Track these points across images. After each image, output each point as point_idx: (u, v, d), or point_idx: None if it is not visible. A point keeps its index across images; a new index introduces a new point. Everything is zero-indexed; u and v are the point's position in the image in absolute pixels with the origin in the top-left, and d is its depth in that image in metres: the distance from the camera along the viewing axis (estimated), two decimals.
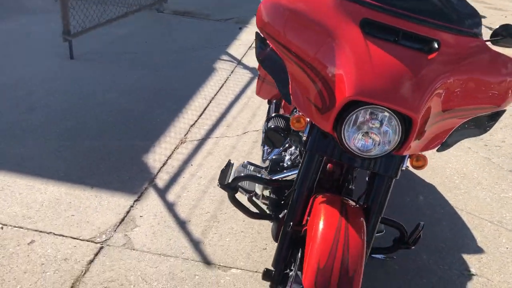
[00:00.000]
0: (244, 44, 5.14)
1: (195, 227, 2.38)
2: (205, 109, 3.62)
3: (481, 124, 1.67)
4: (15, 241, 2.17)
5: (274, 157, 2.12)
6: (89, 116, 3.32)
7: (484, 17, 7.05)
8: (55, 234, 2.24)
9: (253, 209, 1.99)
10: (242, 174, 1.97)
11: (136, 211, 2.45)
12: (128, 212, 2.44)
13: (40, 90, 3.63)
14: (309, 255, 1.38)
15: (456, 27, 1.53)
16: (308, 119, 1.61)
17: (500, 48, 1.70)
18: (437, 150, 1.63)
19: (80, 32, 4.32)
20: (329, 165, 1.84)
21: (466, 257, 2.39)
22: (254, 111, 3.65)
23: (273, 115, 1.98)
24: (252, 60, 4.65)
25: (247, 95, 3.93)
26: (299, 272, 1.52)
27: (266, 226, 2.42)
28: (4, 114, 3.23)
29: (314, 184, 1.64)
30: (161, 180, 2.72)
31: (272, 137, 1.87)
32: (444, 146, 1.61)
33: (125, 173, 2.74)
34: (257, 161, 2.47)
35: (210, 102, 3.75)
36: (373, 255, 2.18)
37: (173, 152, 3.01)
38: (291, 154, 2.09)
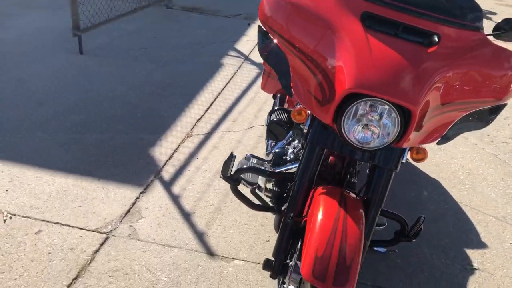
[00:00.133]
0: (252, 40, 5.16)
1: (199, 219, 2.41)
2: (211, 104, 3.64)
3: (482, 118, 1.67)
4: (23, 231, 2.22)
5: (277, 150, 2.14)
6: (98, 110, 3.37)
7: (495, 13, 6.98)
8: (62, 224, 2.29)
9: (256, 201, 2.01)
10: (245, 167, 1.99)
11: (141, 202, 2.49)
12: (133, 203, 2.48)
13: (50, 84, 3.68)
14: (307, 244, 1.40)
15: (457, 21, 1.54)
16: (309, 112, 1.63)
17: (503, 42, 1.70)
18: (437, 143, 1.64)
19: (89, 27, 4.37)
20: (330, 158, 1.86)
21: (469, 251, 2.39)
22: (260, 106, 3.67)
23: (276, 108, 2.00)
24: (259, 56, 4.65)
25: (254, 90, 3.95)
26: (298, 262, 1.54)
27: (270, 219, 2.45)
28: (14, 107, 3.29)
29: (314, 176, 1.66)
30: (167, 173, 2.76)
31: (275, 130, 1.89)
32: (444, 139, 1.62)
33: (131, 166, 2.78)
34: (262, 155, 2.49)
35: (217, 97, 3.78)
36: (375, 248, 2.20)
37: (179, 145, 3.04)
38: (294, 148, 2.11)
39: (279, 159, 2.09)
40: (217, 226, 2.38)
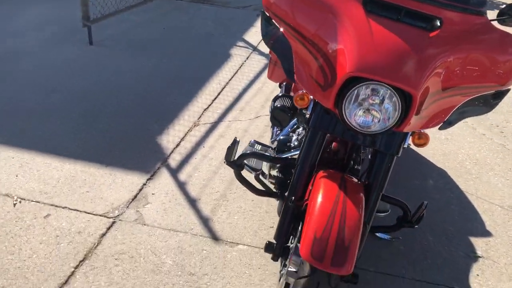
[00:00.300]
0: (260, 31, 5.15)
1: (204, 205, 2.44)
2: (219, 94, 3.66)
3: (486, 103, 1.67)
4: (32, 214, 2.27)
5: (281, 137, 2.16)
6: (107, 99, 3.41)
7: (504, 4, 6.88)
8: (70, 209, 2.33)
9: (260, 187, 2.03)
10: (248, 152, 2.01)
11: (148, 189, 2.53)
12: (140, 189, 2.51)
13: (60, 73, 3.73)
14: (307, 226, 1.42)
15: (460, 5, 1.53)
16: (311, 97, 1.64)
17: (507, 27, 1.69)
18: (439, 128, 1.64)
19: (99, 18, 4.41)
20: (333, 144, 1.87)
21: (473, 239, 2.39)
22: (268, 96, 3.68)
23: (279, 94, 2.01)
24: (267, 47, 4.66)
25: (261, 80, 3.96)
26: (298, 244, 1.56)
27: (274, 206, 2.47)
28: (25, 96, 3.35)
29: (316, 161, 1.68)
30: (174, 160, 2.79)
31: (278, 116, 1.91)
32: (447, 123, 1.62)
33: (139, 153, 2.82)
34: (268, 144, 2.51)
35: (225, 87, 3.79)
36: (379, 235, 2.21)
37: (186, 134, 3.07)
38: (298, 135, 2.12)
39: (283, 145, 2.10)
40: (222, 212, 2.41)
